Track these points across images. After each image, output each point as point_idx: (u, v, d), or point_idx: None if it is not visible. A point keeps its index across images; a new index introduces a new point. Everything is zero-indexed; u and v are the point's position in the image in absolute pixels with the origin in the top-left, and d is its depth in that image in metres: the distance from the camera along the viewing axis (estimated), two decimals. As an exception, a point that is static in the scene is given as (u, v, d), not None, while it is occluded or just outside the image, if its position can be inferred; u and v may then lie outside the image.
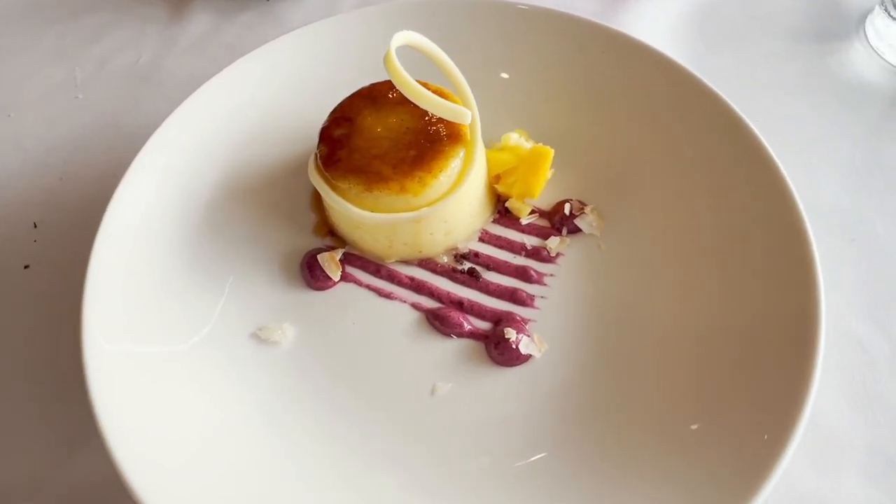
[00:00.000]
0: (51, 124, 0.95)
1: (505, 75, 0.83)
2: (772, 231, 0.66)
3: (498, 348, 0.67)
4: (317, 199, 0.79)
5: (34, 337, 0.75)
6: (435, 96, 0.64)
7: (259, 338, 0.70)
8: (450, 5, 0.84)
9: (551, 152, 0.74)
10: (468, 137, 0.70)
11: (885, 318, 0.72)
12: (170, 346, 0.66)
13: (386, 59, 0.62)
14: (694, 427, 0.59)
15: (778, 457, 0.52)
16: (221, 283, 0.72)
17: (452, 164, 0.68)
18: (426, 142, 0.69)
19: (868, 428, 0.66)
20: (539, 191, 0.75)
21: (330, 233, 0.78)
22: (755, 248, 0.66)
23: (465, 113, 0.65)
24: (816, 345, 0.57)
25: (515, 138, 0.76)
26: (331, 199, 0.69)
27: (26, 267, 0.81)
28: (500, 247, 0.76)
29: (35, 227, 0.84)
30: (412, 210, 0.68)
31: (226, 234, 0.75)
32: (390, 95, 0.73)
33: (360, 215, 0.68)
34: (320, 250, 0.75)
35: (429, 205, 0.68)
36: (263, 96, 0.82)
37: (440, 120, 0.70)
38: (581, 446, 0.61)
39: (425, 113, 0.71)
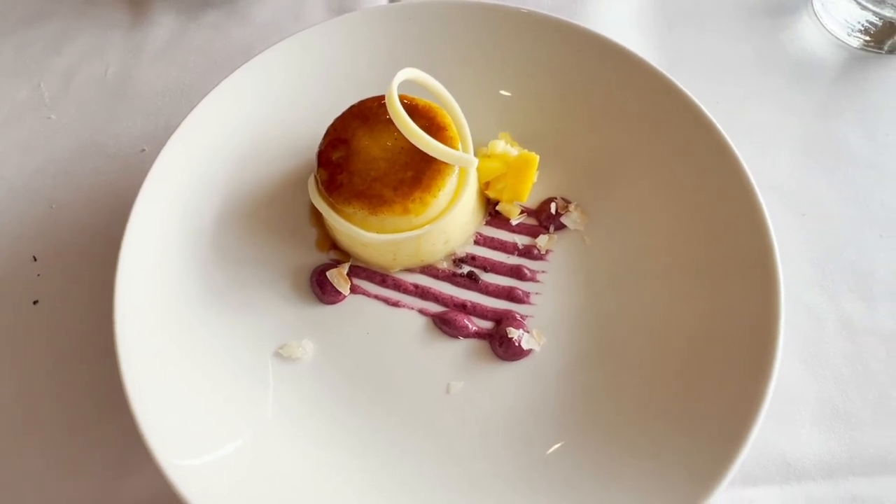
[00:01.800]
0: (27, 149, 0.94)
1: (485, 80, 0.86)
2: (733, 218, 0.73)
3: (502, 346, 0.75)
4: (316, 214, 0.83)
5: (59, 371, 0.78)
6: (441, 145, 0.68)
7: (282, 356, 0.75)
8: (426, 9, 0.85)
9: (537, 159, 0.79)
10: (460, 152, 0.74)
11: (832, 287, 0.82)
12: (200, 369, 0.71)
13: (389, 105, 0.65)
14: (677, 402, 0.68)
15: (752, 423, 0.62)
16: (238, 308, 0.76)
17: (449, 182, 0.73)
18: (422, 161, 0.73)
19: (817, 384, 0.78)
20: (527, 194, 0.81)
21: (333, 246, 0.82)
22: (718, 233, 0.74)
23: (472, 161, 0.69)
24: (777, 327, 0.66)
25: (502, 146, 0.80)
26: (338, 223, 0.73)
27: (35, 303, 0.82)
28: (494, 248, 0.82)
29: (35, 260, 0.85)
30: (415, 228, 0.73)
31: (234, 259, 0.78)
32: (381, 113, 0.76)
33: (368, 237, 0.73)
34: (327, 266, 0.80)
35: (430, 222, 0.73)
36: (257, 113, 0.83)
37: (432, 135, 0.73)
38: (583, 427, 0.70)
39: (417, 129, 0.74)
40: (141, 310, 0.70)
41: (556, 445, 0.69)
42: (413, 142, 0.68)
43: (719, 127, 0.76)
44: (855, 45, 0.99)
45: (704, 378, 0.68)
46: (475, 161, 0.70)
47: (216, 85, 0.81)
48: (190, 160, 0.79)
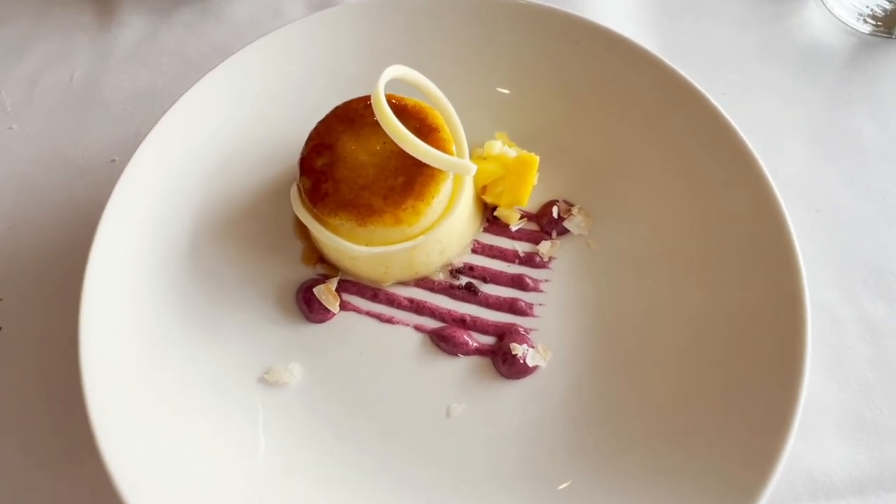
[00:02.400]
0: (-13, 162, 0.87)
1: (478, 76, 0.81)
2: (750, 218, 0.68)
3: (506, 363, 0.70)
4: (301, 226, 0.77)
5: (24, 406, 0.72)
6: (434, 150, 0.63)
7: (267, 381, 0.69)
8: (412, 2, 0.80)
9: (536, 160, 0.73)
10: (455, 156, 0.69)
11: (852, 287, 0.78)
12: (177, 405, 0.65)
13: (375, 106, 0.59)
14: (700, 421, 0.63)
15: (784, 440, 0.57)
16: (218, 333, 0.70)
17: (443, 188, 0.67)
18: (413, 165, 0.67)
19: (841, 391, 0.73)
20: (527, 198, 0.75)
21: (320, 260, 0.76)
22: (734, 235, 0.69)
23: (469, 167, 0.63)
24: (804, 335, 0.61)
25: (499, 147, 0.75)
26: (323, 235, 0.68)
27: (-1, 329, 0.76)
28: (494, 256, 0.77)
29: (-6, 283, 0.78)
30: (408, 239, 0.67)
31: (213, 278, 0.72)
32: (367, 115, 0.70)
33: (356, 250, 0.67)
34: (314, 282, 0.74)
35: (424, 232, 0.68)
36: (234, 117, 0.77)
37: (422, 138, 0.68)
38: (597, 450, 0.65)
39: (406, 132, 0.68)
40: (110, 338, 0.64)
41: (570, 470, 0.64)
42: (403, 147, 0.63)
43: (731, 121, 0.71)
44: (864, 31, 0.95)
45: (729, 393, 0.63)
46: (473, 167, 0.64)
47: (189, 87, 0.75)
48: (162, 170, 0.73)
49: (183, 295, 0.70)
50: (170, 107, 0.74)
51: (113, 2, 0.99)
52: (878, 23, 0.93)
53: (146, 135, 0.72)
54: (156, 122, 0.73)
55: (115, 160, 0.87)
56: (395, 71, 0.61)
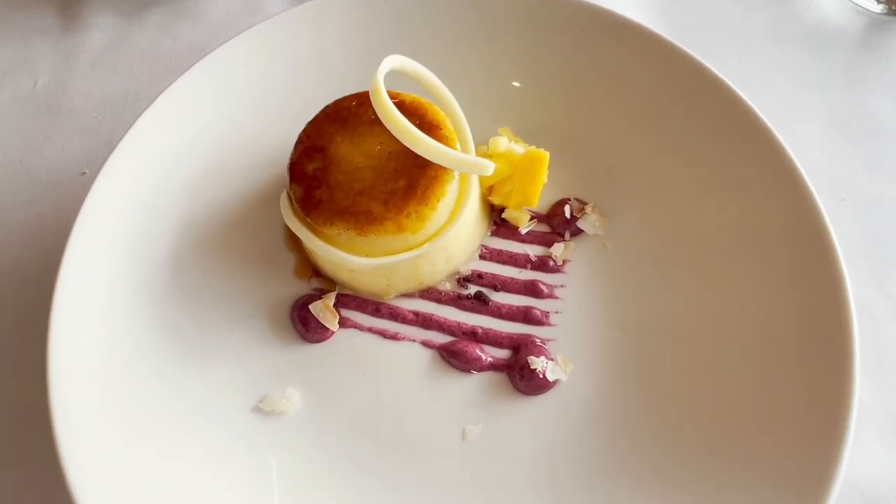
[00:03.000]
0: (-56, 180, 0.80)
1: (476, 68, 0.75)
2: (782, 213, 0.63)
3: (523, 378, 0.64)
4: (293, 237, 0.70)
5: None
6: (448, 149, 0.57)
7: (263, 411, 0.63)
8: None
9: (547, 156, 0.68)
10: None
11: (885, 279, 0.73)
12: (160, 443, 0.58)
13: (375, 99, 0.53)
14: (742, 435, 0.58)
15: (840, 451, 0.52)
16: (205, 359, 0.64)
17: (449, 190, 0.61)
18: (415, 166, 0.61)
19: (882, 393, 0.68)
20: (537, 198, 0.70)
21: (315, 274, 0.70)
22: (768, 230, 0.64)
23: (487, 165, 0.57)
24: (850, 335, 0.56)
25: (505, 143, 0.69)
26: (318, 247, 0.61)
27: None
28: (503, 262, 0.71)
29: (-43, 310, 0.71)
30: (413, 248, 0.62)
31: (197, 298, 0.66)
32: (361, 113, 0.64)
33: (355, 262, 0.61)
34: (310, 297, 0.68)
35: (429, 240, 0.62)
36: (214, 121, 0.71)
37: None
38: (630, 472, 0.59)
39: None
40: (82, 369, 0.57)
41: (602, 495, 0.58)
42: (410, 145, 0.57)
43: (755, 108, 0.66)
44: (876, 11, 0.90)
45: (774, 403, 0.57)
46: (491, 165, 0.58)
47: (163, 91, 0.68)
48: (137, 182, 0.66)
49: (164, 318, 0.64)
50: (143, 112, 0.68)
51: (77, 3, 0.92)
52: (890, 2, 0.89)
53: (118, 144, 0.66)
54: (128, 130, 0.67)
55: (85, 173, 0.81)
56: (394, 61, 0.55)
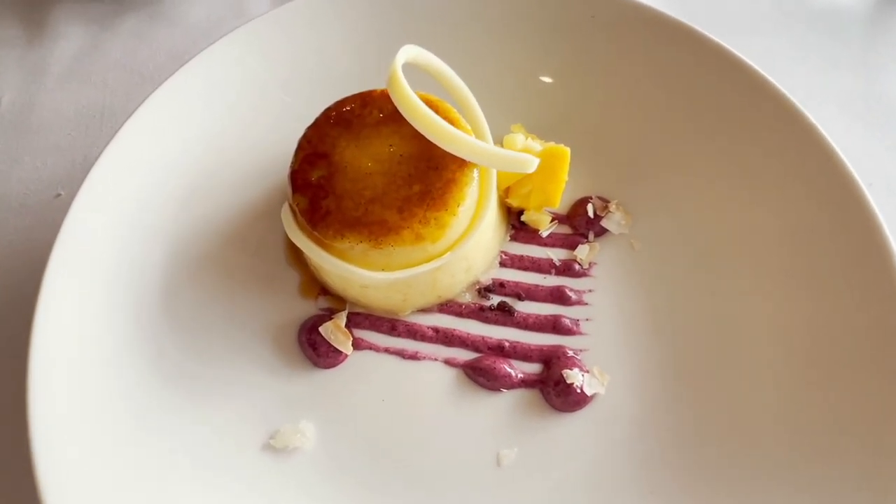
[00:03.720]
0: None
1: (483, 62, 0.69)
2: (829, 204, 0.59)
3: (560, 395, 0.59)
4: (297, 253, 0.64)
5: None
6: (488, 145, 0.52)
7: (275, 448, 0.56)
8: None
9: (568, 152, 0.63)
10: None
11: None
12: (160, 491, 0.52)
13: (394, 90, 0.47)
14: (809, 438, 0.53)
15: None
16: (206, 394, 0.58)
17: (469, 193, 0.56)
18: (430, 169, 0.56)
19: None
20: (559, 197, 0.65)
21: (322, 292, 0.64)
22: (815, 225, 0.59)
23: (530, 161, 0.52)
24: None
25: (522, 140, 0.64)
26: (327, 263, 0.55)
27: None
28: (525, 268, 0.66)
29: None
30: (432, 259, 0.56)
31: (194, 326, 0.60)
32: (366, 114, 0.58)
33: (370, 278, 0.55)
34: (319, 319, 0.62)
35: (451, 248, 0.56)
36: (202, 132, 0.65)
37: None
38: (684, 489, 0.54)
39: (415, 130, 0.57)
40: (66, 412, 0.51)
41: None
42: (440, 143, 0.51)
43: (792, 98, 0.62)
44: (885, -12, 0.88)
45: (835, 409, 0.53)
46: (535, 161, 0.53)
47: (142, 102, 0.62)
48: (119, 202, 0.60)
49: (157, 353, 0.58)
50: (123, 125, 0.61)
51: (44, 11, 0.85)
52: (900, -22, 0.86)
53: (96, 161, 0.60)
54: (107, 146, 0.61)
55: (60, 195, 0.74)
56: (410, 51, 0.50)
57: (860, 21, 0.87)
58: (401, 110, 0.50)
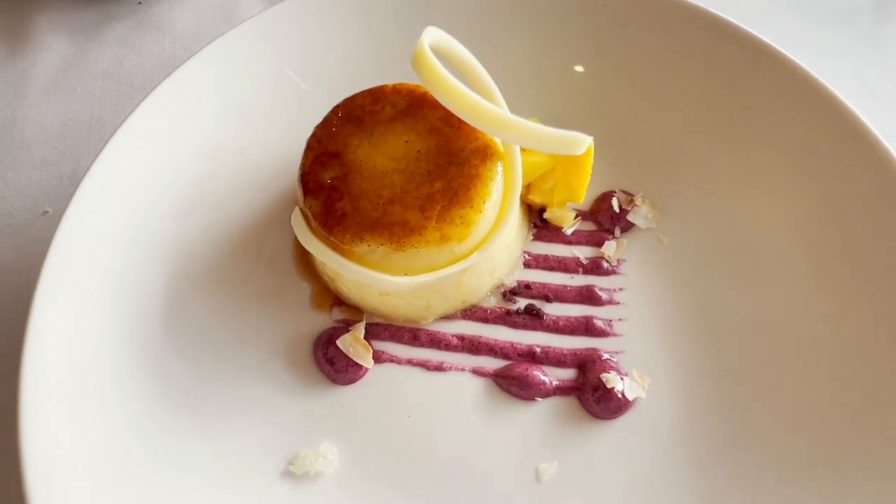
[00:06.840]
0: None
1: (495, 51, 0.66)
2: (873, 197, 0.56)
3: (600, 402, 0.55)
4: (307, 261, 0.60)
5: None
6: (537, 125, 0.48)
7: (294, 475, 0.52)
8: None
9: (591, 144, 0.59)
10: (500, 145, 0.54)
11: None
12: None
13: (422, 70, 0.43)
14: (860, 433, 0.50)
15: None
16: (217, 419, 0.53)
17: (494, 188, 0.52)
18: (451, 164, 0.52)
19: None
20: (584, 192, 0.61)
21: (337, 302, 0.60)
22: (859, 220, 0.56)
23: (583, 140, 0.48)
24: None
25: (542, 133, 0.60)
26: (345, 269, 0.51)
27: None
28: (551, 268, 0.62)
29: None
30: (458, 260, 0.52)
31: (200, 345, 0.55)
32: (378, 110, 0.55)
33: (393, 283, 0.51)
34: (335, 331, 0.57)
35: (478, 247, 0.53)
36: (200, 139, 0.61)
37: (455, 129, 0.53)
38: (737, 492, 0.50)
39: (432, 124, 0.54)
40: (65, 447, 0.46)
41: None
42: (480, 125, 0.48)
43: (829, 85, 0.59)
44: (891, -28, 0.86)
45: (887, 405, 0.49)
46: (588, 139, 0.49)
47: (132, 111, 0.58)
48: (113, 217, 0.56)
49: (163, 377, 0.53)
50: (112, 136, 0.57)
51: (25, 21, 0.81)
52: (905, -39, 0.85)
53: (85, 175, 0.56)
54: (96, 158, 0.56)
55: (47, 212, 0.70)
56: (434, 34, 0.46)
57: (869, 6, 0.86)
58: (429, 87, 0.47)
